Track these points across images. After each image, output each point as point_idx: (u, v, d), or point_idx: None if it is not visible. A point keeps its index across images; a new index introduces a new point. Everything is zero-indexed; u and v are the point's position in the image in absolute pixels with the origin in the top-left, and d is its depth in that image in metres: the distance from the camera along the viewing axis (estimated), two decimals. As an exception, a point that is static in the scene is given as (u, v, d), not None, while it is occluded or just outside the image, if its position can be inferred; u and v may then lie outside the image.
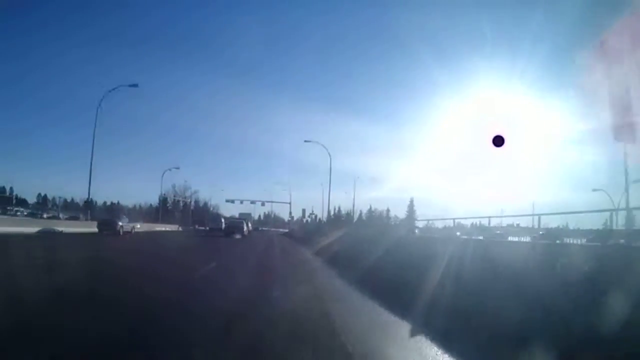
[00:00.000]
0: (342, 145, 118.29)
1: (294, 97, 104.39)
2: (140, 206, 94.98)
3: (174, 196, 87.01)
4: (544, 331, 4.87)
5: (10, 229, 23.27)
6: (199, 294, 7.99)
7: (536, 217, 15.71)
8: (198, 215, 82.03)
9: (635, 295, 4.53)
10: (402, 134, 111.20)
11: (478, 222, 17.90)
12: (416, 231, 25.25)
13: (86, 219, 38.47)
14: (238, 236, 40.34)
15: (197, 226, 73.86)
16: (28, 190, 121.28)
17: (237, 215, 70.20)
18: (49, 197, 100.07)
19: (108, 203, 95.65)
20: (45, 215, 59.78)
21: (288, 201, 77.46)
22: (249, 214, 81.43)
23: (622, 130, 8.85)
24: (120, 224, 31.91)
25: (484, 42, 51.78)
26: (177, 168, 67.96)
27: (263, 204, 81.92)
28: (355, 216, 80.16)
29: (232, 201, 79.15)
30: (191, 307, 6.44)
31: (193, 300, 7.12)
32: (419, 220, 53.21)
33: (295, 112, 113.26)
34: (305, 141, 49.54)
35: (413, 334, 5.35)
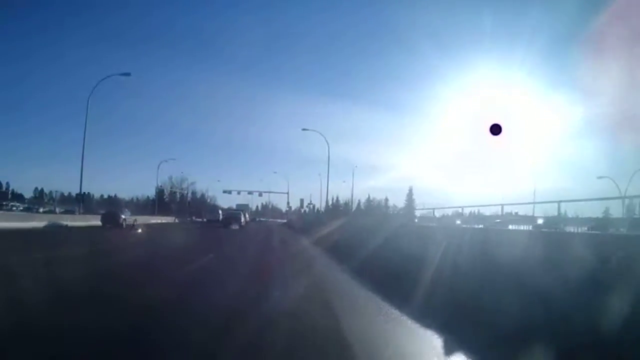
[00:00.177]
0: (341, 134, 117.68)
1: (291, 88, 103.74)
2: (137, 199, 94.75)
3: (171, 188, 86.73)
4: (549, 324, 4.82)
5: (18, 225, 23.83)
6: (212, 273, 9.95)
7: (534, 205, 15.75)
8: (195, 207, 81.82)
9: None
10: (402, 123, 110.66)
11: (477, 211, 17.90)
12: (415, 220, 25.22)
13: (79, 213, 38.27)
14: (236, 227, 40.39)
15: (194, 218, 73.72)
16: (27, 185, 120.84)
17: (234, 207, 70.09)
18: (46, 191, 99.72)
19: (105, 196, 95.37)
20: (41, 210, 59.43)
21: (286, 191, 77.29)
22: (247, 205, 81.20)
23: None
24: (123, 217, 32.26)
25: (482, 33, 51.59)
26: (173, 159, 68.01)
27: (260, 195, 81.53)
28: (354, 206, 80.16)
29: (229, 192, 78.80)
30: (208, 282, 8.61)
31: (209, 278, 9.18)
32: (418, 209, 53.23)
33: (292, 103, 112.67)
34: (303, 129, 49.11)
35: (414, 322, 5.30)
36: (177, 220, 61.18)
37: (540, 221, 15.13)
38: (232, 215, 46.54)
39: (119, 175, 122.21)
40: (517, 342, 4.37)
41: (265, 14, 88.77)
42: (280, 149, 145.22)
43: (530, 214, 17.86)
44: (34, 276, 7.41)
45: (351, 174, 67.84)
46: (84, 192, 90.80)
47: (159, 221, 49.83)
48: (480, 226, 13.09)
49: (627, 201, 13.00)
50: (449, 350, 4.33)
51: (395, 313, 5.89)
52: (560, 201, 8.07)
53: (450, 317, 5.49)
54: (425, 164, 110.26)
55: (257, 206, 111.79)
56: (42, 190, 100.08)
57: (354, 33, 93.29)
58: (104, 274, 8.81)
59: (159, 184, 74.87)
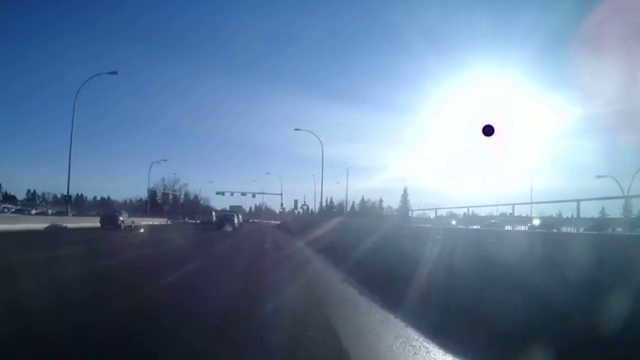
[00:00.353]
0: (335, 135, 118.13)
1: (285, 88, 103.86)
2: (130, 200, 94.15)
3: (164, 189, 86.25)
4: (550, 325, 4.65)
5: (20, 226, 25.03)
6: (213, 267, 11.55)
7: (530, 206, 15.61)
8: (188, 208, 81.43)
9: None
10: (397, 123, 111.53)
11: (471, 212, 17.73)
12: (410, 222, 25.04)
13: (73, 214, 38.11)
14: (229, 229, 40.25)
15: (186, 219, 73.31)
16: (20, 186, 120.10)
17: (227, 208, 69.83)
18: (39, 193, 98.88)
19: (98, 198, 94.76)
20: (33, 212, 58.90)
21: (279, 192, 76.98)
22: (240, 207, 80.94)
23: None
24: (121, 218, 33.27)
25: (478, 33, 51.84)
26: (165, 160, 67.92)
27: (254, 196, 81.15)
28: (348, 207, 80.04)
29: (222, 193, 78.40)
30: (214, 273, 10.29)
31: (213, 270, 11.00)
32: (412, 210, 53.21)
33: (286, 103, 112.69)
34: (296, 129, 48.96)
35: (406, 326, 5.10)
36: (169, 222, 60.82)
37: (536, 222, 14.98)
38: (225, 217, 46.49)
39: (112, 176, 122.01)
40: (513, 343, 4.32)
41: (259, 16, 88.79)
42: (274, 149, 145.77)
43: (526, 214, 17.74)
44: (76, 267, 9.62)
45: (345, 175, 68.10)
46: (78, 194, 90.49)
47: (151, 223, 49.41)
48: (477, 227, 12.90)
49: (623, 201, 12.83)
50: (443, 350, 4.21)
51: (389, 313, 5.72)
52: (580, 200, 7.75)
53: (444, 318, 5.41)
54: (421, 164, 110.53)
55: (250, 207, 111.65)
56: (34, 192, 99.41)
57: (350, 34, 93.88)
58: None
59: (151, 186, 74.54)
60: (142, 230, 29.23)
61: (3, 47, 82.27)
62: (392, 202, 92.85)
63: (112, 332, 4.45)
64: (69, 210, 39.47)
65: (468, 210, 14.16)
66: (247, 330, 4.77)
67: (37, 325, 4.57)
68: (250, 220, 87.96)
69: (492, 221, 16.12)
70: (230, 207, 73.19)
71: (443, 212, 20.62)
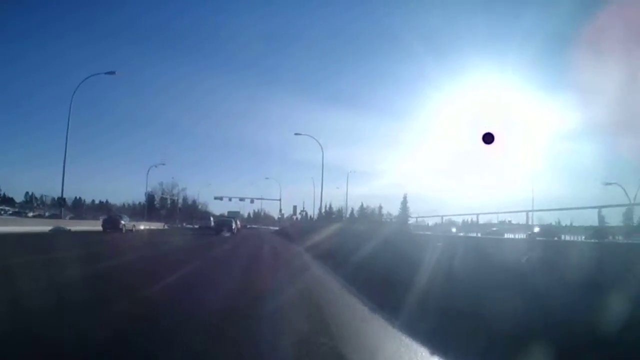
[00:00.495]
0: (335, 139, 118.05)
1: (284, 92, 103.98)
2: (128, 204, 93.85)
3: (162, 194, 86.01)
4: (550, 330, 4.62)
5: (24, 228, 25.72)
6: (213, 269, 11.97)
7: (529, 214, 15.57)
8: (186, 213, 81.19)
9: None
10: (397, 128, 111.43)
11: (470, 219, 17.70)
12: (409, 229, 24.99)
13: (68, 218, 38.14)
14: (227, 234, 40.17)
15: (184, 224, 73.07)
16: (18, 188, 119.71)
17: (225, 213, 69.61)
18: (37, 195, 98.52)
19: (96, 201, 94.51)
20: (30, 214, 58.73)
21: (278, 198, 76.88)
22: (238, 212, 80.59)
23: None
24: (122, 222, 34.00)
25: (477, 37, 51.98)
26: (163, 164, 67.46)
27: (252, 202, 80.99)
28: (348, 212, 79.91)
29: (221, 198, 78.18)
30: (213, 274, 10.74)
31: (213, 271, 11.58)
32: (412, 217, 53.12)
33: (286, 107, 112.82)
34: (296, 134, 49.00)
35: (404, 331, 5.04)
36: (166, 227, 60.61)
37: (536, 229, 14.94)
38: (223, 222, 46.38)
39: (110, 178, 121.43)
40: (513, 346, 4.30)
41: (259, 16, 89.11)
42: (272, 151, 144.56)
43: (523, 222, 17.68)
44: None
45: (345, 179, 67.91)
46: (76, 197, 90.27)
47: (148, 227, 49.29)
48: (478, 234, 12.85)
49: (624, 209, 12.82)
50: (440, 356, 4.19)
51: (386, 324, 5.61)
52: (601, 207, 7.60)
53: (442, 325, 5.38)
54: (421, 170, 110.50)
55: (248, 213, 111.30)
56: (32, 194, 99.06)
57: (350, 35, 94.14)
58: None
59: (149, 190, 74.35)
60: (142, 228, 29.59)
61: (3, 47, 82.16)
62: (392, 208, 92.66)
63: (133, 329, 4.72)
64: (62, 212, 39.34)
65: (469, 218, 14.13)
66: (246, 333, 4.75)
67: (53, 323, 4.72)
68: (249, 226, 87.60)
69: (493, 229, 16.08)
70: (229, 212, 72.90)
71: (442, 219, 20.60)
